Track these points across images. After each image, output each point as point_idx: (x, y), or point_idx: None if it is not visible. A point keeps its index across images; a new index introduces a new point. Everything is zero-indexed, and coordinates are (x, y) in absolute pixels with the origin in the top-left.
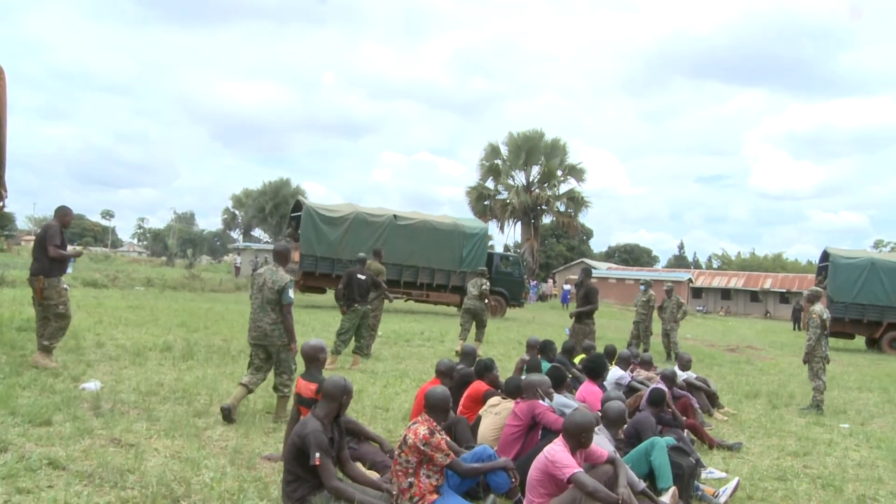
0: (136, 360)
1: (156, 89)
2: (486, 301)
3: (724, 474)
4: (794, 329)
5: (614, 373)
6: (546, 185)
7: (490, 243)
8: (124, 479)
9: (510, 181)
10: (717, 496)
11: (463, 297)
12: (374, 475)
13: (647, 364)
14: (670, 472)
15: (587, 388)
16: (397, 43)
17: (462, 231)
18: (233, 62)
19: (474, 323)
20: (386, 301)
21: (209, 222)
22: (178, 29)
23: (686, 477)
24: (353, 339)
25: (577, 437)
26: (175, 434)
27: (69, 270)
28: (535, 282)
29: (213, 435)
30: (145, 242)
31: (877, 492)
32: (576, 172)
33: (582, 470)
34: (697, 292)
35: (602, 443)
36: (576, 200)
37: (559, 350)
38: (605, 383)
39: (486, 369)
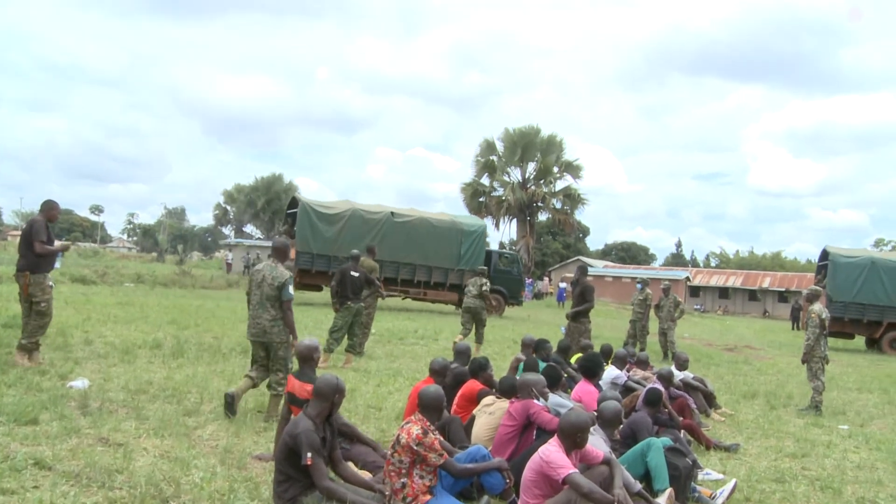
0: (125, 358)
1: (147, 82)
2: (489, 302)
3: (721, 476)
4: (793, 329)
5: (610, 372)
6: (542, 181)
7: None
8: (112, 480)
9: (506, 178)
10: (714, 498)
11: (461, 295)
12: (366, 475)
13: (643, 363)
14: (667, 474)
15: (583, 387)
16: (392, 37)
17: (460, 228)
18: (226, 55)
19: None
20: (380, 298)
21: (200, 218)
22: (170, 20)
23: (683, 478)
24: (346, 336)
25: (573, 438)
26: (164, 433)
27: (57, 265)
28: (530, 280)
29: (204, 434)
30: (135, 238)
31: (876, 494)
32: (572, 169)
33: (577, 471)
34: (695, 291)
35: (598, 443)
36: (572, 197)
37: (554, 349)
38: (600, 383)
39: (480, 368)
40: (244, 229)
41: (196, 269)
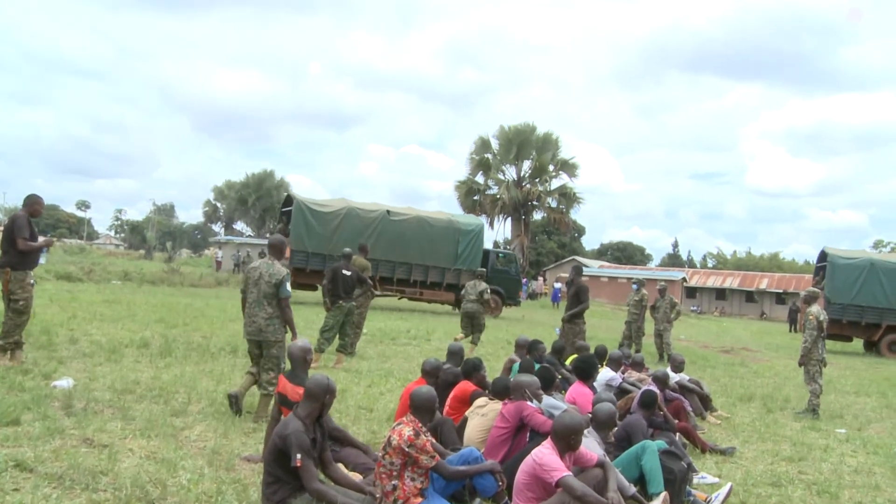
0: (111, 357)
1: (136, 76)
2: (488, 306)
3: (716, 479)
4: (791, 331)
5: (605, 374)
6: (537, 180)
7: None
8: (96, 481)
9: (500, 176)
10: (709, 502)
11: (457, 295)
12: (356, 477)
13: (638, 365)
14: (661, 477)
15: (577, 389)
16: (386, 32)
17: (457, 227)
18: (217, 49)
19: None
20: (372, 298)
21: (190, 215)
22: (159, 13)
23: (678, 482)
24: (338, 336)
25: (566, 440)
26: (151, 434)
27: (42, 261)
28: (525, 279)
29: (191, 435)
30: (123, 235)
31: (874, 499)
32: (568, 167)
33: (571, 473)
34: (691, 292)
35: (592, 446)
36: (568, 196)
37: (548, 350)
38: (595, 385)
39: (473, 369)
40: (234, 226)
41: (185, 266)
